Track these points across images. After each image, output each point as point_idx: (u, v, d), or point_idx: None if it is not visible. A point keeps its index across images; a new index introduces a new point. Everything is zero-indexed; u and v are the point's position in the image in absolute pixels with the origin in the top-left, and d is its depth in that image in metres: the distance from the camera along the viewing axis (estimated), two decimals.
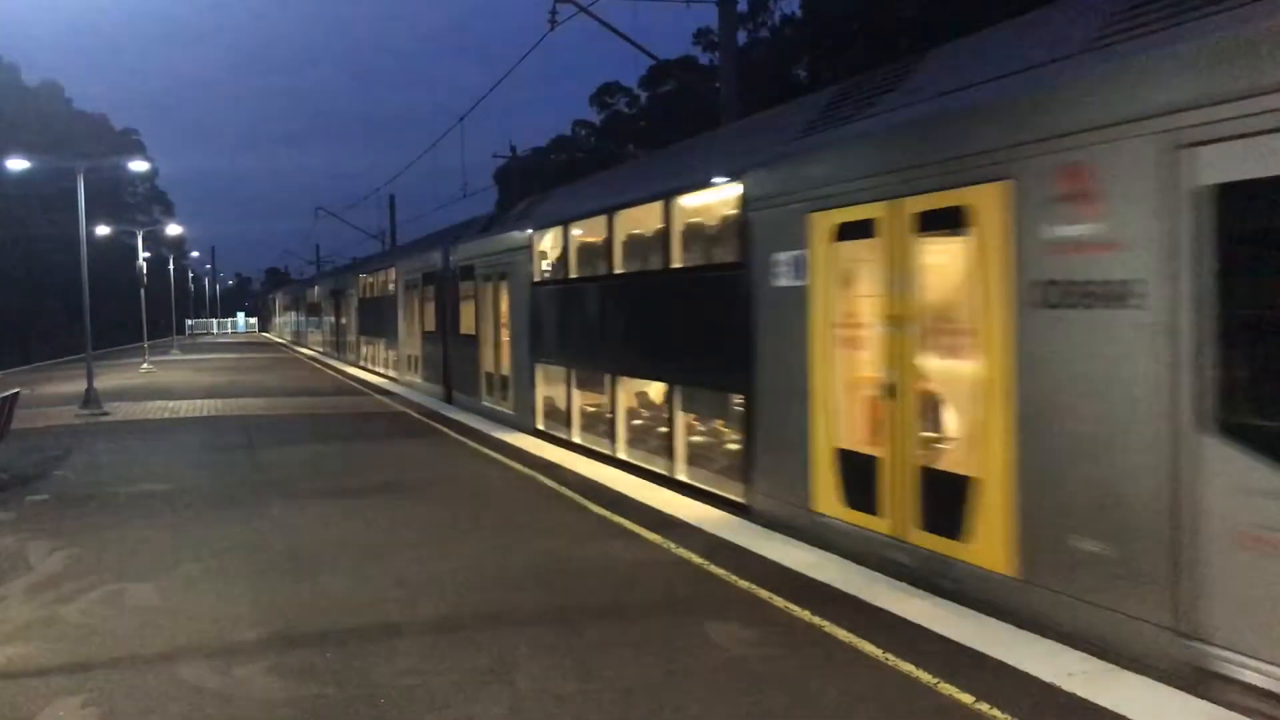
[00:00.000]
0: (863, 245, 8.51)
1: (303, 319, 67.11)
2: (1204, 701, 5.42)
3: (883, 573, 8.07)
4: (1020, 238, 6.74)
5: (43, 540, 10.17)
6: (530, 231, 17.67)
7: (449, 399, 24.05)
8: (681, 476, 12.33)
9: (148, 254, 46.65)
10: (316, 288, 59.25)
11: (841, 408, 9.01)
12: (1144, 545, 5.83)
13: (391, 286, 32.24)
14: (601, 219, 14.55)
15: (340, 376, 34.56)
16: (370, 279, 37.29)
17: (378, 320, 35.13)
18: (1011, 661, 6.07)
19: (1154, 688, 5.63)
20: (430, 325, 26.03)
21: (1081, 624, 6.26)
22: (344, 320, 44.47)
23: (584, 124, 71.93)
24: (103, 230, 49.50)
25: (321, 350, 52.95)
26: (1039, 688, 5.70)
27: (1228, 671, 5.41)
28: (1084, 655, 6.12)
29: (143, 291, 43.62)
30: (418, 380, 27.85)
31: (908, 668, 6.08)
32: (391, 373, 32.23)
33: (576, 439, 15.85)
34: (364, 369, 37.41)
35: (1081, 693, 5.56)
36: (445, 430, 18.70)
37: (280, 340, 79.95)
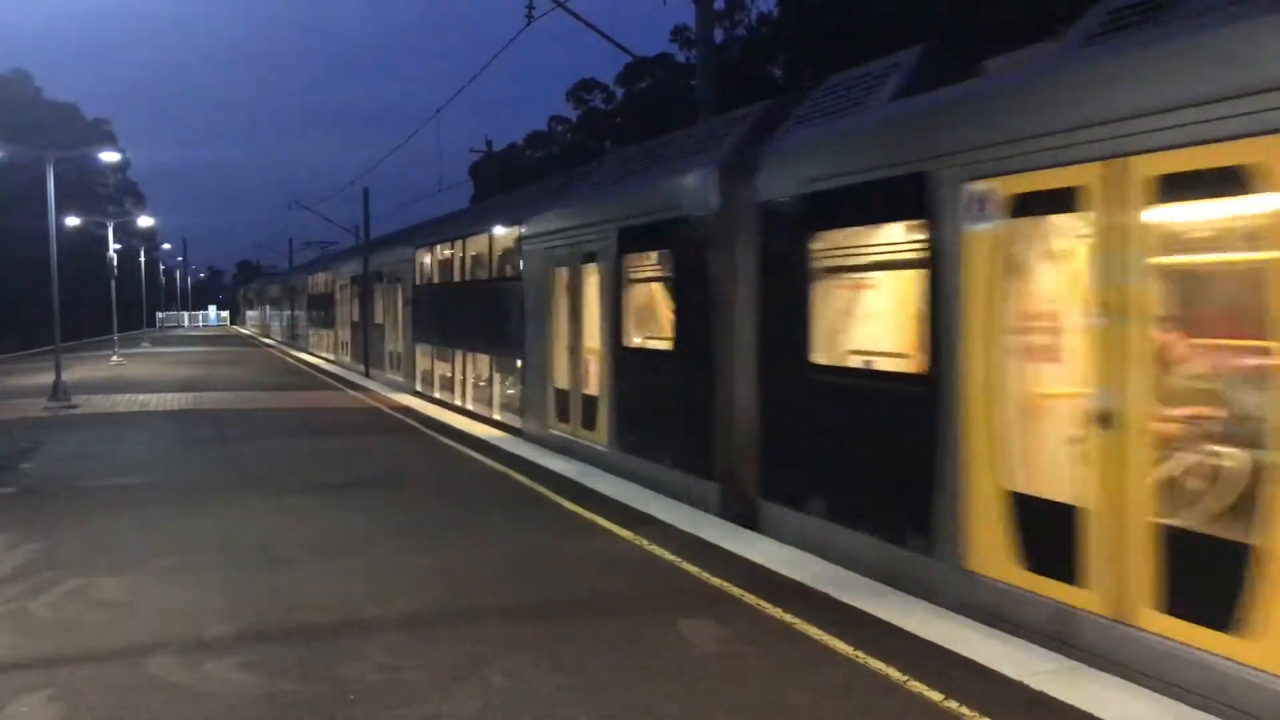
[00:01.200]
0: None
1: (300, 315, 52.29)
2: (1172, 700, 5.47)
3: None
4: None
5: (9, 534, 10.04)
6: None
7: (747, 516, 10.12)
8: None
9: (118, 246, 46.21)
10: (330, 273, 41.79)
11: None
12: None
13: (523, 264, 16.62)
14: None
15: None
16: (451, 252, 23.04)
17: (475, 322, 20.39)
18: (980, 660, 6.11)
19: (1122, 686, 5.68)
20: (704, 334, 11.07)
21: None
22: (382, 320, 29.90)
23: (560, 120, 71.85)
24: (73, 222, 48.97)
25: (331, 356, 39.95)
26: (1007, 685, 5.74)
27: None
28: (1051, 654, 6.17)
29: (113, 284, 43.19)
30: (602, 448, 13.47)
31: (878, 665, 6.11)
32: (518, 420, 17.27)
33: None
34: (429, 398, 23.75)
35: (1050, 691, 5.61)
36: None
37: (267, 340, 66.58)
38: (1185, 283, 6.10)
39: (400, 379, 27.32)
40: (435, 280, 24.60)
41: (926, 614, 6.99)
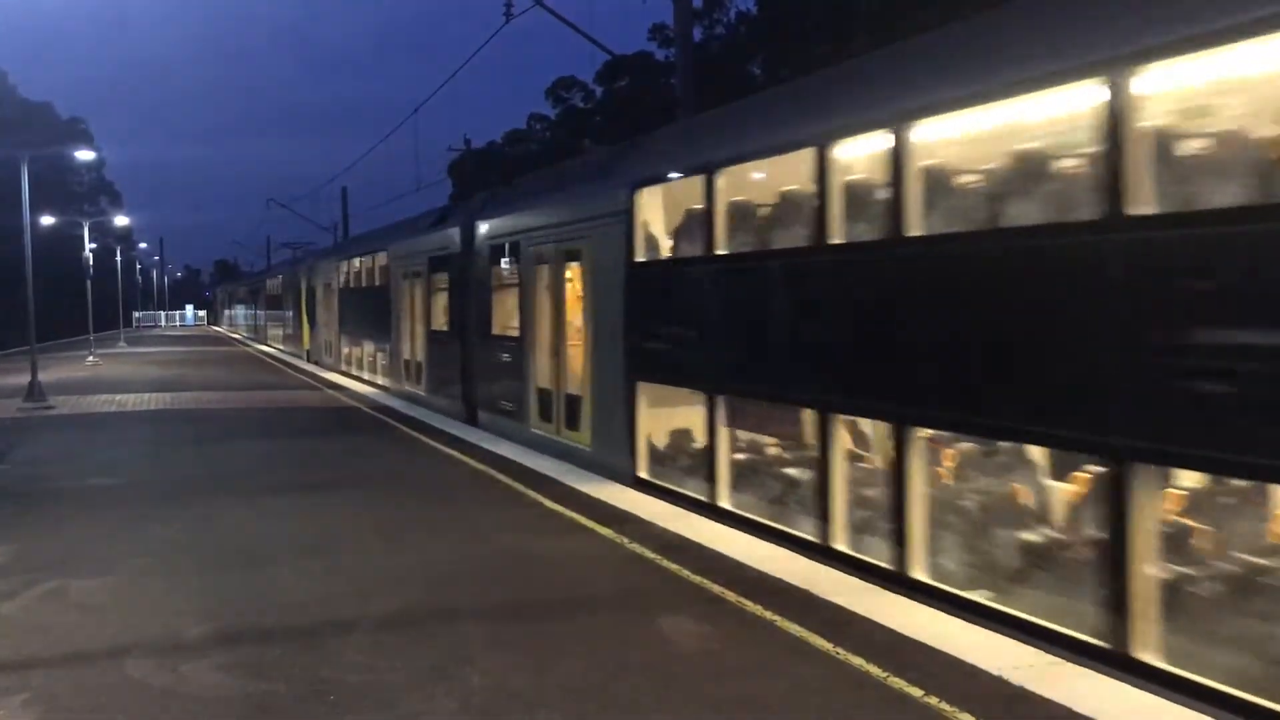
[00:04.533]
0: None
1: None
2: (1149, 694, 5.51)
3: None
4: None
5: None
6: None
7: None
8: None
9: (94, 245, 45.93)
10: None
11: None
12: None
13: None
14: None
15: None
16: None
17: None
18: (960, 655, 6.14)
19: (1100, 681, 5.71)
20: None
21: None
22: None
23: (539, 118, 71.71)
24: (48, 221, 48.60)
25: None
26: (987, 681, 5.76)
27: None
28: (1033, 649, 6.20)
29: (89, 283, 42.90)
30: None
31: (858, 661, 6.13)
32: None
33: None
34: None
35: (1030, 686, 5.64)
36: None
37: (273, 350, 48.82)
38: None
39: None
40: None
41: None
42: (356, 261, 29.61)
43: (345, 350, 30.99)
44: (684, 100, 18.65)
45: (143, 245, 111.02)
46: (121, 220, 72.31)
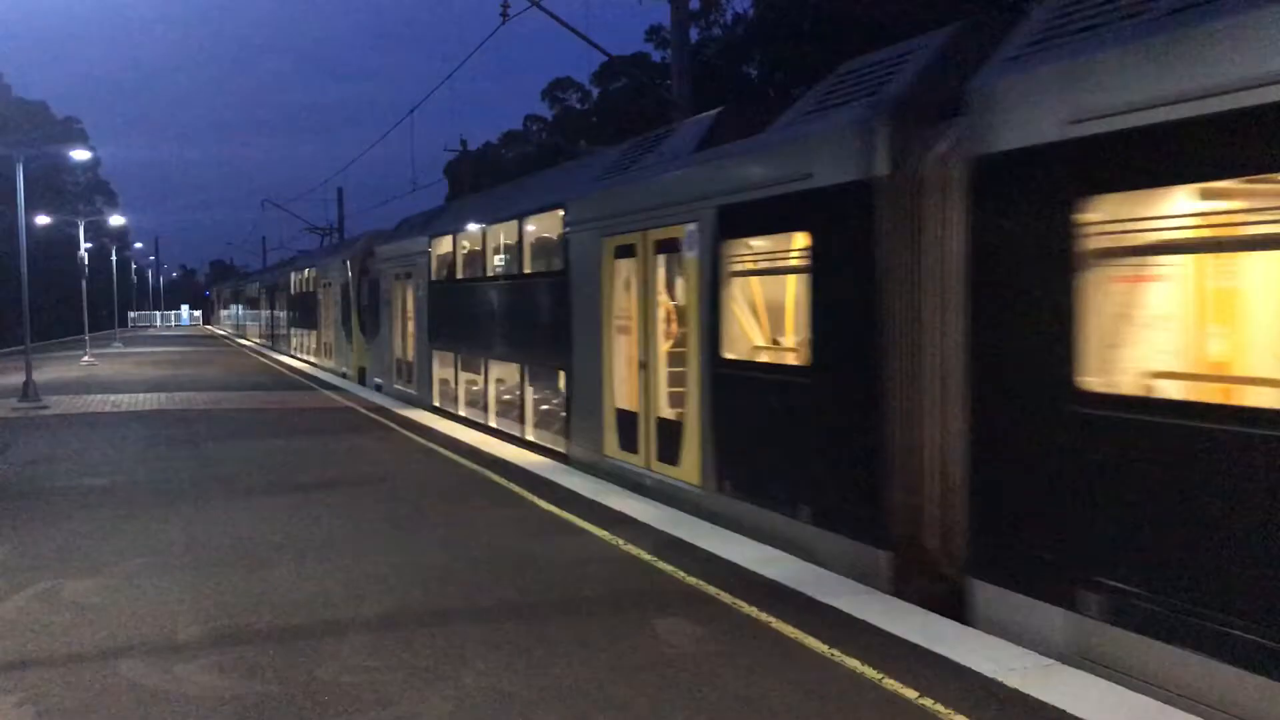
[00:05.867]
0: None
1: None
2: (1143, 696, 5.52)
3: None
4: None
5: None
6: None
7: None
8: None
9: (89, 245, 45.86)
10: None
11: None
12: None
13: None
14: None
15: None
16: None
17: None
18: (954, 658, 6.14)
19: (1093, 683, 5.72)
20: None
21: None
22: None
23: (536, 119, 71.79)
24: (43, 220, 48.57)
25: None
26: (981, 683, 5.77)
27: None
28: (1024, 651, 6.21)
29: (84, 283, 42.83)
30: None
31: (853, 663, 6.14)
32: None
33: None
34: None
35: (1023, 688, 5.65)
36: None
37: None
38: None
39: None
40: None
41: None
42: (468, 239, 19.26)
43: (441, 376, 20.75)
44: (680, 103, 18.66)
45: (138, 245, 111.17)
46: (117, 220, 72.46)
